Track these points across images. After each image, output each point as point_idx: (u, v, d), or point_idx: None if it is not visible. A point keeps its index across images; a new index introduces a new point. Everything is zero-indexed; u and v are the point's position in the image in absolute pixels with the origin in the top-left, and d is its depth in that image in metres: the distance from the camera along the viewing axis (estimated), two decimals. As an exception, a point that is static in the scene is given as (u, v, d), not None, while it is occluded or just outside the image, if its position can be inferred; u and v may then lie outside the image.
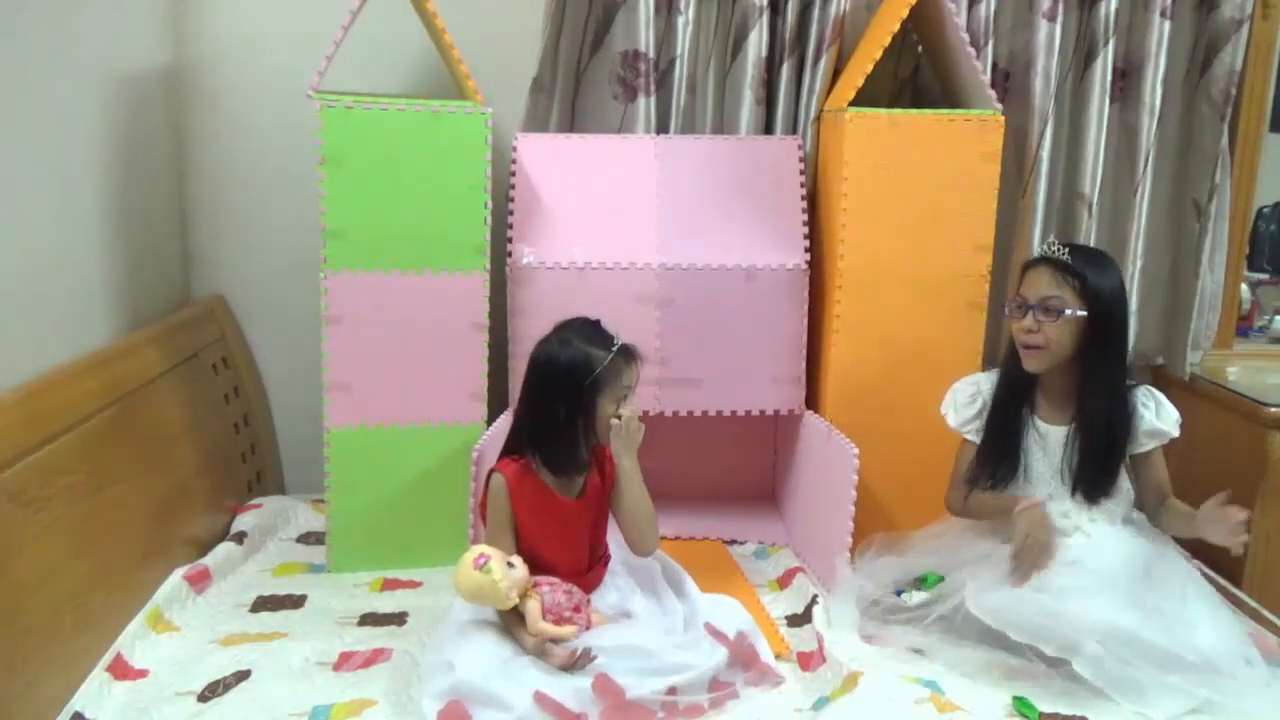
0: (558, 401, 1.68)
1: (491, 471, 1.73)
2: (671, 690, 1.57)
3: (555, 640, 1.61)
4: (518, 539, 1.71)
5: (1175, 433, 1.85)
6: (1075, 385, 1.86)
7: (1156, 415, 1.85)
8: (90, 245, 2.03)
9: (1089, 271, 1.80)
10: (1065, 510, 1.85)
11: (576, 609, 1.67)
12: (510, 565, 1.63)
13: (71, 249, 1.96)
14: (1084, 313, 1.78)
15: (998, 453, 1.89)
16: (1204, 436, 2.37)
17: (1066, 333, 1.80)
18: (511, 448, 1.75)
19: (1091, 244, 2.42)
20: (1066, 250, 1.81)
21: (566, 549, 1.74)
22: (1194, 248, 2.48)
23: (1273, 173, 2.66)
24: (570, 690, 1.54)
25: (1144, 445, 1.85)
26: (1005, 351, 1.94)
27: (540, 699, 1.51)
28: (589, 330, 1.72)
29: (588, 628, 1.66)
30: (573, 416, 1.67)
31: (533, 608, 1.62)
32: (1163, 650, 1.63)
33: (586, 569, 1.77)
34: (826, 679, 1.70)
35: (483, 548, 1.63)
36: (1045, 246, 1.85)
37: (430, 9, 2.11)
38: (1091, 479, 1.84)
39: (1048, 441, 1.88)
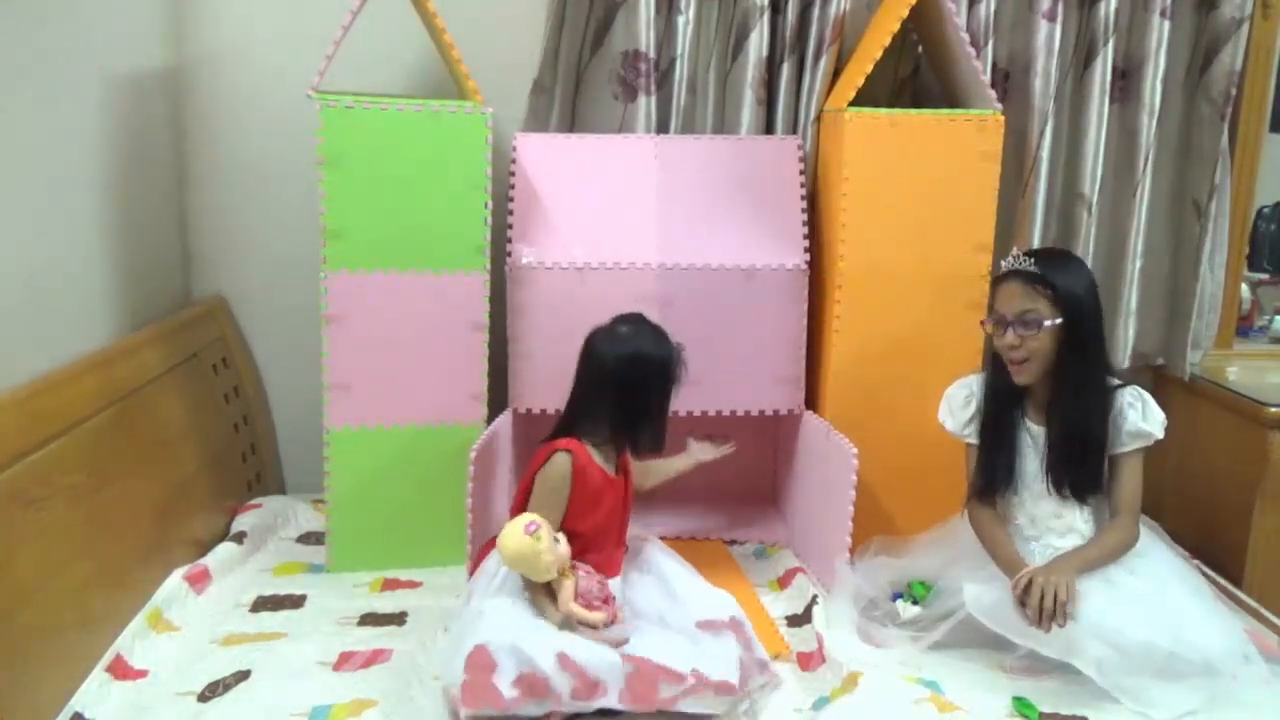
0: (653, 393, 1.78)
1: (554, 450, 1.74)
2: (695, 674, 1.59)
3: (583, 624, 1.62)
4: (563, 516, 1.74)
5: (1159, 434, 1.83)
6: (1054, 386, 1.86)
7: (1142, 416, 1.82)
8: (90, 245, 2.03)
9: (1058, 277, 1.78)
10: (1058, 511, 1.85)
11: (605, 600, 1.69)
12: (556, 540, 1.66)
13: (72, 249, 1.96)
14: (1060, 320, 1.77)
15: (992, 457, 1.88)
16: (1204, 436, 2.37)
17: (1049, 342, 1.79)
18: (567, 429, 1.79)
19: (1091, 244, 2.43)
20: (1032, 260, 1.80)
21: (607, 525, 1.78)
22: (1194, 248, 2.48)
23: (1273, 173, 2.65)
24: (596, 655, 1.56)
25: (1125, 445, 1.83)
26: (987, 359, 1.93)
27: (564, 660, 1.53)
28: (658, 330, 1.83)
29: (612, 621, 1.67)
30: (664, 406, 1.80)
31: (567, 586, 1.65)
32: (1163, 649, 1.64)
33: (615, 546, 1.82)
34: (826, 679, 1.70)
35: (535, 516, 1.65)
36: (1011, 259, 1.83)
37: (430, 9, 2.11)
38: (1071, 479, 1.82)
39: (1038, 443, 1.87)
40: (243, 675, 1.66)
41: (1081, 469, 1.82)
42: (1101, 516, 1.86)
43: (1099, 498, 1.85)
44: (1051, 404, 1.85)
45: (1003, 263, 1.85)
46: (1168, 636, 1.65)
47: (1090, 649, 1.64)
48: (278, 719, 1.55)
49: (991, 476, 1.88)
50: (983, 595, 1.75)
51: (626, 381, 1.75)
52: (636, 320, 1.82)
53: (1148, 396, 1.85)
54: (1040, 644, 1.68)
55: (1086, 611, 1.66)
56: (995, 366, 1.89)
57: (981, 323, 1.88)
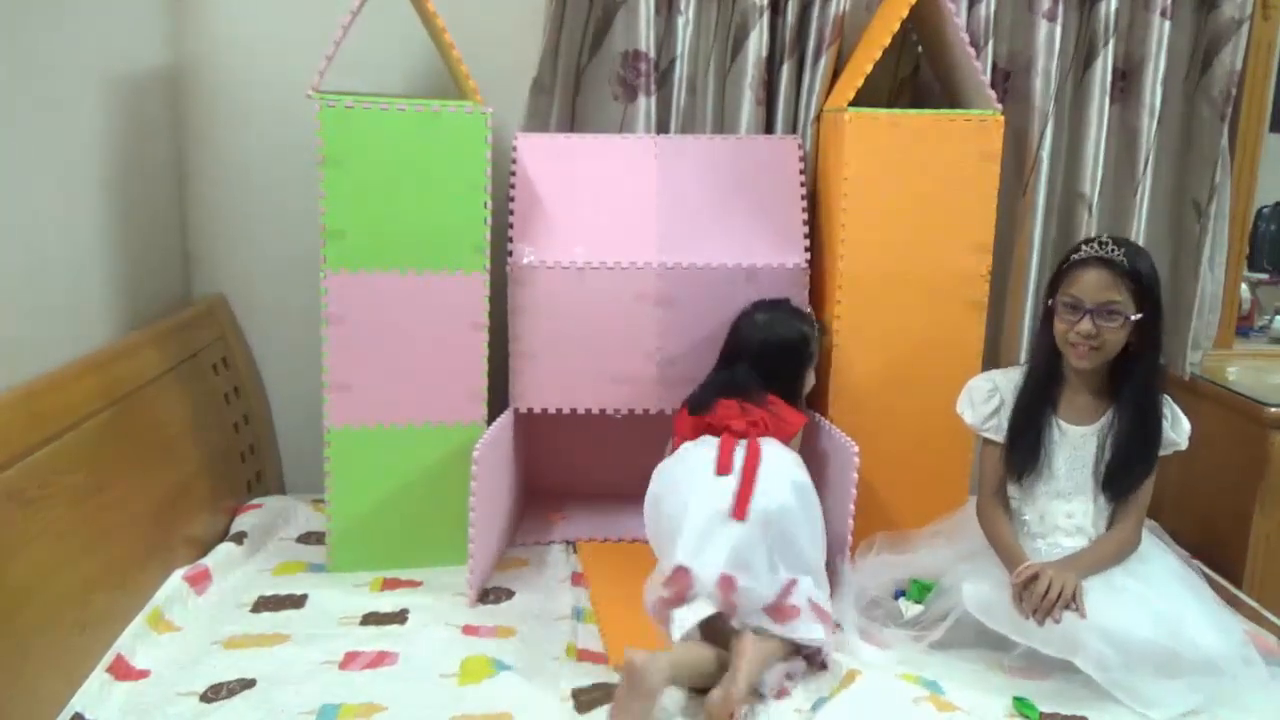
0: (789, 368, 2.08)
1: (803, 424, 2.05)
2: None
3: None
4: None
5: (1184, 445, 1.84)
6: (1106, 385, 1.85)
7: (1172, 425, 1.83)
8: (90, 245, 2.03)
9: (1141, 270, 1.77)
10: (1070, 511, 1.85)
11: None
12: None
13: (71, 249, 1.96)
14: (1139, 315, 1.76)
15: (1020, 451, 1.87)
16: (1204, 436, 2.36)
17: (1121, 334, 1.78)
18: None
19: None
20: (1121, 251, 1.77)
21: None
22: (1194, 248, 2.48)
23: (1273, 173, 2.66)
24: None
25: None
26: (1034, 349, 1.92)
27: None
28: (795, 311, 2.13)
29: None
30: (801, 374, 2.12)
31: None
32: (1162, 648, 1.64)
33: None
34: (826, 679, 1.70)
35: None
36: (1097, 246, 1.79)
37: (430, 9, 2.11)
38: (1122, 479, 1.82)
39: (1068, 441, 1.86)
40: (246, 675, 1.65)
41: (1133, 472, 1.82)
42: (1107, 517, 1.86)
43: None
44: (1119, 404, 1.83)
45: (1085, 247, 1.82)
46: (1168, 636, 1.65)
47: (1090, 646, 1.64)
48: (285, 718, 1.55)
49: (1018, 469, 1.86)
50: (981, 593, 1.76)
51: (767, 362, 2.04)
52: (771, 306, 2.11)
53: (1176, 408, 1.86)
54: (1040, 642, 1.68)
55: (1088, 609, 1.67)
56: (1042, 356, 1.88)
57: (1048, 303, 1.84)
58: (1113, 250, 1.77)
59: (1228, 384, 2.43)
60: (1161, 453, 1.84)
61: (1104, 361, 1.81)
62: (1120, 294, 1.76)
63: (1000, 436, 1.91)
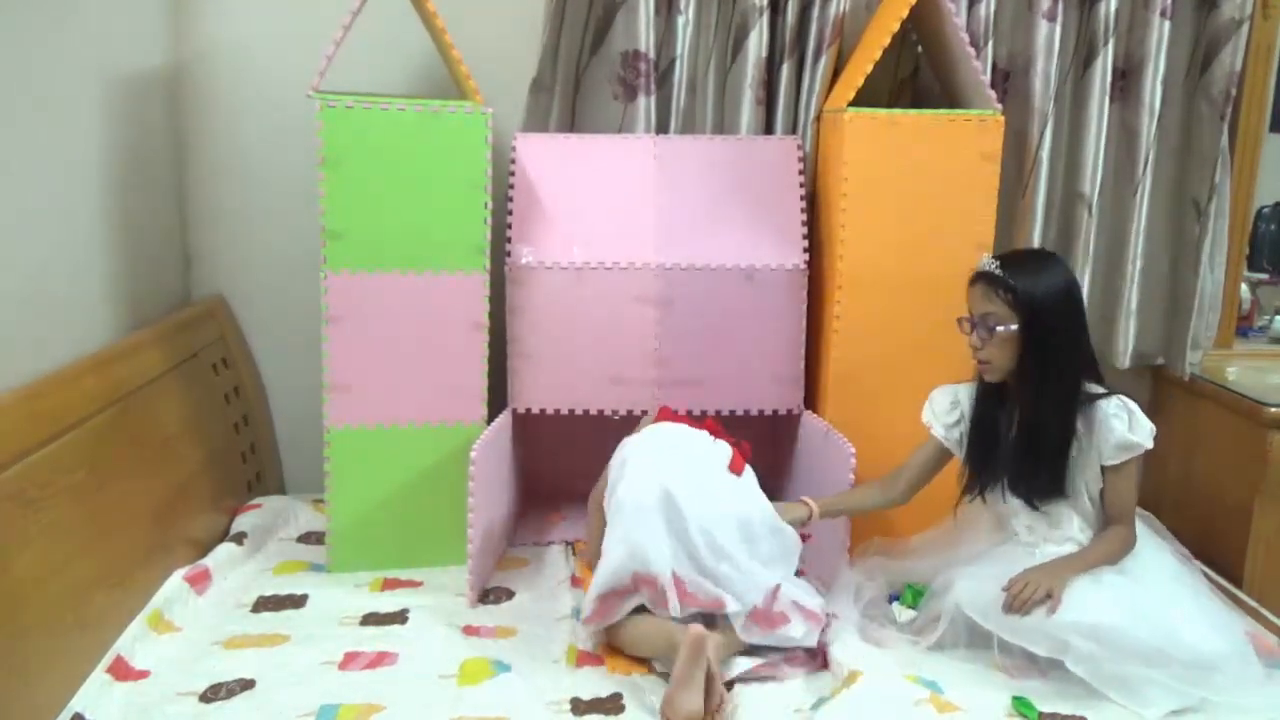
0: None
1: None
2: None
3: None
4: None
5: (1148, 444, 1.78)
6: None
7: (1129, 427, 1.77)
8: (90, 245, 2.03)
9: (1020, 281, 1.75)
10: (1053, 521, 1.84)
11: None
12: None
13: (72, 249, 1.96)
14: (1015, 326, 1.75)
15: (978, 466, 1.88)
16: (1204, 436, 2.37)
17: (1006, 346, 1.78)
18: None
19: (1091, 244, 2.43)
20: (998, 263, 1.79)
21: None
22: (1194, 248, 2.48)
23: (1273, 173, 2.66)
24: None
25: (1113, 458, 1.79)
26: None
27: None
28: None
29: None
30: None
31: None
32: (1153, 647, 1.64)
33: None
34: (826, 679, 1.70)
35: None
36: (982, 261, 1.82)
37: (430, 9, 2.11)
38: (1029, 485, 1.81)
39: None
40: (246, 675, 1.66)
41: (1037, 477, 1.80)
42: (1099, 524, 1.85)
43: (1098, 506, 1.84)
44: (1017, 416, 1.83)
45: (978, 264, 1.85)
46: (1158, 634, 1.65)
47: (1079, 646, 1.64)
48: (285, 718, 1.55)
49: (980, 482, 1.87)
50: (975, 594, 1.76)
51: None
52: None
53: (1134, 407, 1.80)
54: (1030, 643, 1.68)
55: (1074, 609, 1.67)
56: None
57: (958, 321, 1.86)
58: (990, 264, 1.80)
59: (1227, 384, 2.43)
60: (1127, 455, 1.79)
61: (1002, 376, 1.81)
62: (995, 305, 1.77)
63: (954, 446, 1.92)
